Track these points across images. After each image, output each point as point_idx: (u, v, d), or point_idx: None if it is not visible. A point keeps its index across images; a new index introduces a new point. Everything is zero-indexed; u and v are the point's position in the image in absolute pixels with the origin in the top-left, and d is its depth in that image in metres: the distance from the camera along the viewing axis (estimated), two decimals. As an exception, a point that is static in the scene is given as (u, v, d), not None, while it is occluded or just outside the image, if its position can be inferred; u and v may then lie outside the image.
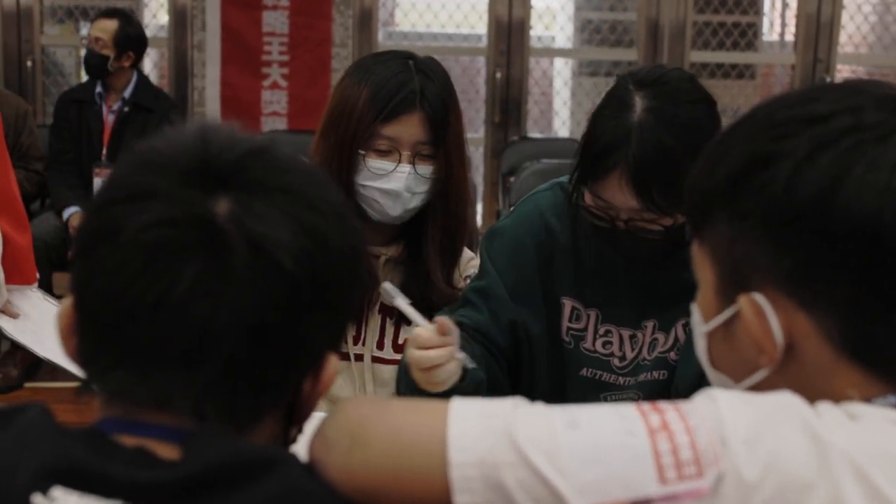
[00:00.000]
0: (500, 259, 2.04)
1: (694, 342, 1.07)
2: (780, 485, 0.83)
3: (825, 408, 0.90)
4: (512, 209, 2.11)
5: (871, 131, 0.93)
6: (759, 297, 0.96)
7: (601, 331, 2.05)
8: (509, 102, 7.43)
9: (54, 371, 3.46)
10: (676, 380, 2.02)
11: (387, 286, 1.78)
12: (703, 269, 1.03)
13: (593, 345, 2.06)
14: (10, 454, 0.87)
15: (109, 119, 5.17)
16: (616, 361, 2.07)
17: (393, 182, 1.99)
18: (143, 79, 5.27)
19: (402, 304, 1.77)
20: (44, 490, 0.84)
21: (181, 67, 7.20)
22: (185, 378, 0.87)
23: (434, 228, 2.07)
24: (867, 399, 0.92)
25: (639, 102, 1.80)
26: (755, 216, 0.96)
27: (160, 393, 0.87)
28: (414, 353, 1.69)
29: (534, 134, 7.60)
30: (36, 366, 4.71)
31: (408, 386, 1.79)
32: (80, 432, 0.89)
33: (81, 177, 5.08)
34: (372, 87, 1.97)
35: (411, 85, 1.97)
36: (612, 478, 0.86)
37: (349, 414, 0.97)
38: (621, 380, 2.07)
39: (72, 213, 4.96)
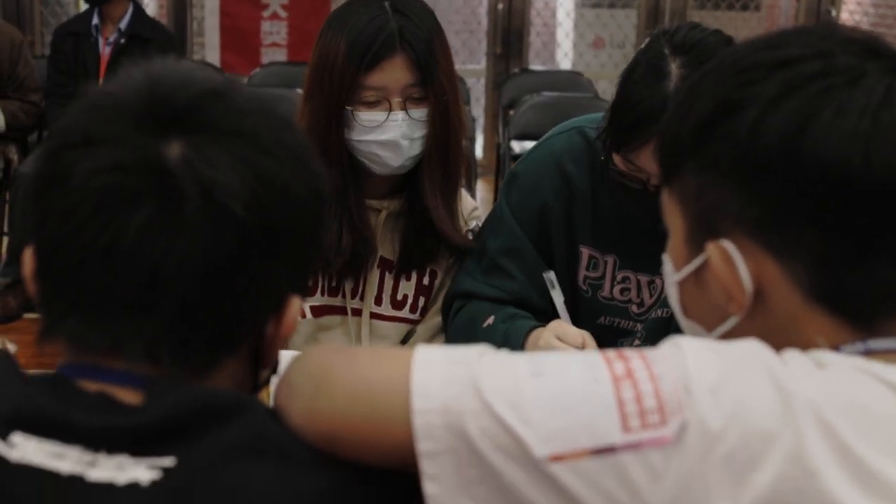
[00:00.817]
0: (519, 210, 2.01)
1: (667, 291, 1.06)
2: (743, 434, 0.83)
3: (792, 355, 0.89)
4: (526, 154, 2.06)
5: (840, 76, 0.91)
6: (728, 244, 0.95)
7: (619, 277, 2.02)
8: (511, 34, 7.38)
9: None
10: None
11: (550, 275, 1.84)
12: (673, 218, 1.01)
13: (611, 292, 2.03)
14: None
15: (106, 51, 5.12)
16: (634, 308, 2.04)
17: (388, 132, 1.89)
18: (139, 9, 5.22)
19: (558, 298, 1.83)
20: (3, 436, 0.84)
21: (180, -3, 7.15)
22: (137, 323, 0.86)
23: (434, 174, 1.97)
24: (836, 346, 0.92)
25: (675, 70, 1.72)
26: (722, 163, 0.94)
27: (112, 338, 0.87)
28: (555, 343, 1.77)
29: (535, 66, 7.54)
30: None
31: None
32: (44, 378, 0.89)
33: (79, 109, 5.04)
34: (348, 39, 1.86)
35: (388, 28, 1.86)
36: (575, 426, 0.85)
37: (314, 360, 0.96)
38: (638, 326, 2.05)
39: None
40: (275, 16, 7.22)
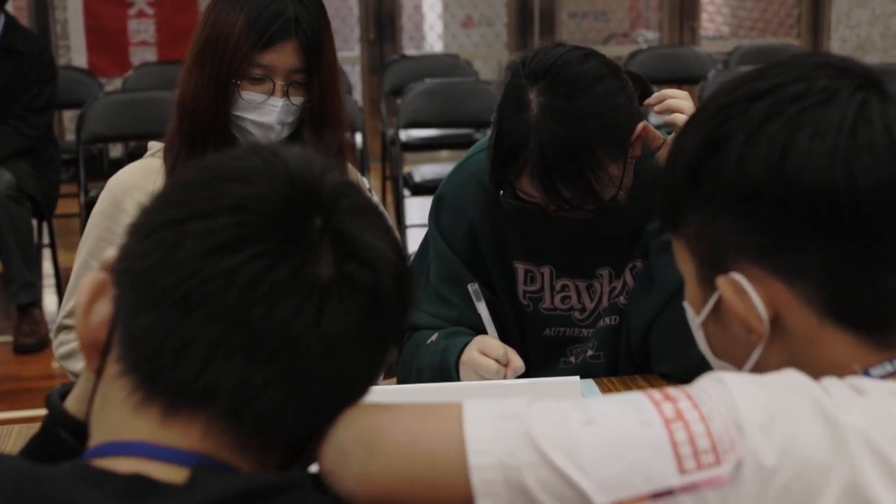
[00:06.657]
0: (450, 232, 2.04)
1: (693, 335, 1.07)
2: (798, 468, 0.85)
3: (832, 384, 0.91)
4: (448, 176, 2.10)
5: (814, 97, 0.95)
6: (737, 276, 0.97)
7: (557, 286, 2.05)
8: (383, 18, 7.35)
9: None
10: (627, 324, 2.03)
11: (474, 287, 1.92)
12: (684, 262, 1.04)
13: (552, 303, 2.06)
14: None
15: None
16: (577, 314, 2.07)
17: (267, 115, 2.02)
18: (11, 21, 4.98)
19: (482, 311, 1.89)
20: None
21: (41, -1, 6.93)
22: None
23: (315, 145, 2.02)
24: (865, 368, 0.94)
25: (533, 99, 1.79)
26: (716, 199, 0.97)
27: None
28: (476, 357, 1.84)
29: (410, 51, 7.52)
30: None
31: (440, 374, 1.92)
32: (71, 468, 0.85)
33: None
34: (248, 17, 1.98)
35: (287, 13, 1.99)
36: (632, 471, 0.86)
37: (361, 422, 0.95)
38: (585, 332, 2.08)
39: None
40: (141, 13, 7.05)
